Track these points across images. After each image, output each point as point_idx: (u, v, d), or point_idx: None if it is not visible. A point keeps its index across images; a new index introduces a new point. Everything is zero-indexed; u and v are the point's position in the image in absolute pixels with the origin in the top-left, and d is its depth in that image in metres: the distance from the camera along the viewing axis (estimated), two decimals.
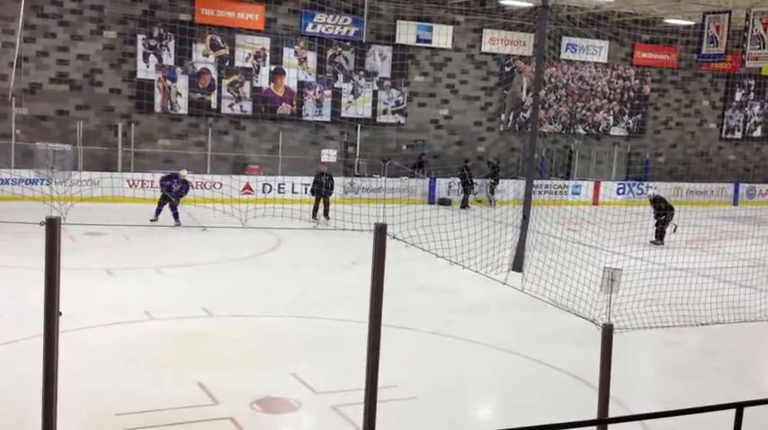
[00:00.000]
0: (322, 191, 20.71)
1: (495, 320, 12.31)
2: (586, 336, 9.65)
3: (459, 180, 26.06)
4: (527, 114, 28.76)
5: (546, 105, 29.86)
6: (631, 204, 21.24)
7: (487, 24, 28.60)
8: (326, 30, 26.24)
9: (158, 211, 18.91)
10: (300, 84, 26.34)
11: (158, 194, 19.09)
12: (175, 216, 18.81)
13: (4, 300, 11.52)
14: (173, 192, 18.86)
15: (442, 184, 26.56)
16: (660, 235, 19.91)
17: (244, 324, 11.38)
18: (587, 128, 31.58)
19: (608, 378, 6.07)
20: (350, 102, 27.10)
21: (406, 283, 13.36)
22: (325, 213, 20.66)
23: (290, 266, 15.47)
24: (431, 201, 25.77)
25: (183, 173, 19.59)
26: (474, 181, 25.95)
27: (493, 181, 26.45)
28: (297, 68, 26.19)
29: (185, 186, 19.10)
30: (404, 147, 28.05)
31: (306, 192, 22.02)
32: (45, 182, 19.56)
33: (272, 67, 25.92)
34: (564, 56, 30.08)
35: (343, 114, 26.78)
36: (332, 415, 8.12)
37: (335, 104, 26.78)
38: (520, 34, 28.88)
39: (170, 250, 16.25)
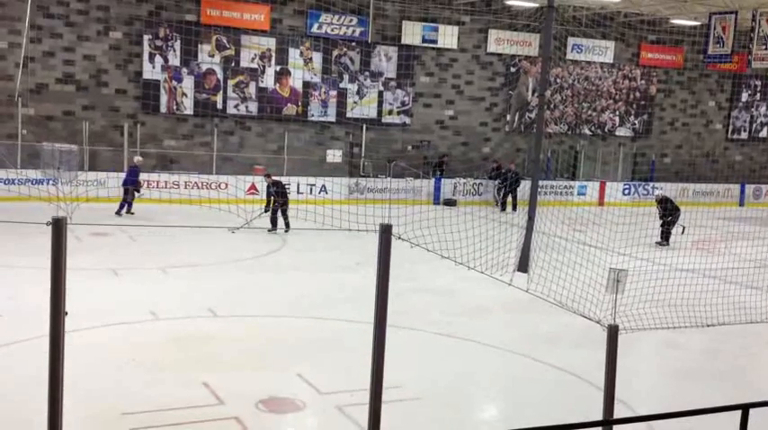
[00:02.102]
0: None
1: (500, 321, 12.30)
2: (591, 337, 9.65)
3: (499, 181, 25.93)
4: (532, 115, 28.70)
5: (551, 106, 29.81)
6: (637, 205, 21.18)
7: (493, 25, 28.59)
8: (332, 30, 26.26)
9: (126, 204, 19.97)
10: (306, 84, 26.35)
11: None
12: (130, 205, 20.04)
13: (6, 301, 11.55)
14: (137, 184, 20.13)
15: (447, 185, 26.55)
16: (666, 236, 19.83)
17: (248, 324, 11.40)
18: (593, 128, 31.53)
19: (613, 379, 6.06)
20: (355, 102, 27.09)
21: (410, 284, 13.36)
22: (285, 224, 18.85)
23: (293, 267, 15.48)
24: (436, 202, 25.77)
25: (139, 159, 21.05)
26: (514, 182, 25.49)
27: (498, 182, 26.42)
28: (302, 69, 26.20)
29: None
30: (409, 148, 28.04)
31: (311, 193, 22.05)
32: (51, 182, 19.58)
33: (278, 68, 25.94)
34: (570, 56, 30.04)
35: (348, 115, 26.78)
36: (337, 415, 8.12)
37: (341, 105, 26.78)
38: (525, 35, 28.85)
39: (175, 251, 16.26)
